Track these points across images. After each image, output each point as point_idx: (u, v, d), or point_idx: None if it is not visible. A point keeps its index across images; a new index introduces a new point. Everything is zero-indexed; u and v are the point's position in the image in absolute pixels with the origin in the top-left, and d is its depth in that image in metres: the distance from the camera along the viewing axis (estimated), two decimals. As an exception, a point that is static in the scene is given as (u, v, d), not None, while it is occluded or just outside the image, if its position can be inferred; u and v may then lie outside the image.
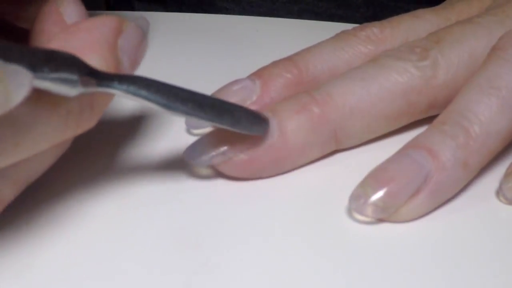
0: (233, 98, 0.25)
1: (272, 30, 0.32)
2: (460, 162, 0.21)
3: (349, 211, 0.22)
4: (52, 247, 0.20)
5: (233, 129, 0.21)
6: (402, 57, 0.24)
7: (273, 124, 0.23)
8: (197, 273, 0.19)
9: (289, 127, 0.23)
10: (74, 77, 0.17)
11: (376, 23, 0.27)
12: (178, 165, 0.24)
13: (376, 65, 0.24)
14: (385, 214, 0.21)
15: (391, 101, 0.24)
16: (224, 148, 0.22)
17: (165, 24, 0.36)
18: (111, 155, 0.24)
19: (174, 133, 0.26)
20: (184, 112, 0.20)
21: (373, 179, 0.21)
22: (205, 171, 0.23)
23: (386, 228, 0.21)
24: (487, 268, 0.20)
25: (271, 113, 0.23)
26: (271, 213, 0.22)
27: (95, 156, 0.24)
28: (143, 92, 0.19)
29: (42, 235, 0.21)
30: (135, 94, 0.19)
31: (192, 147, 0.23)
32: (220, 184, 0.23)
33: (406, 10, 0.28)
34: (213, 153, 0.22)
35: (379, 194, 0.21)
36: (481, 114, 0.22)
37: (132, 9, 0.47)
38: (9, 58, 0.16)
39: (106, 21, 0.20)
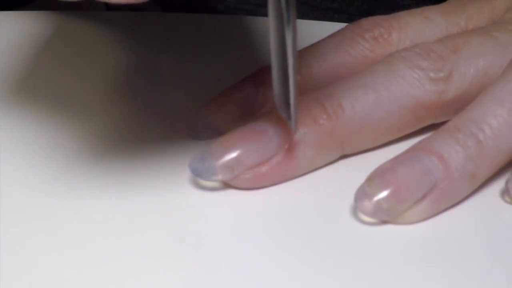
0: (237, 107, 0.24)
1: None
2: (468, 173, 0.21)
3: (354, 211, 0.21)
4: (51, 247, 0.20)
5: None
6: (416, 64, 0.23)
7: (282, 136, 0.22)
8: (197, 273, 0.19)
9: (299, 142, 0.22)
10: None
11: (384, 20, 0.26)
12: (178, 165, 0.24)
13: (388, 71, 0.23)
14: (387, 217, 0.21)
15: (401, 116, 0.23)
16: (232, 165, 0.22)
17: (164, 24, 0.36)
18: (111, 156, 0.24)
19: (176, 134, 0.26)
20: None
21: (381, 179, 0.21)
22: (210, 183, 0.23)
23: (390, 229, 0.21)
24: (491, 268, 0.20)
25: (282, 131, 0.22)
26: (272, 213, 0.22)
27: (96, 157, 0.24)
28: None
29: (42, 235, 0.21)
30: None
31: (198, 161, 0.22)
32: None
33: (400, 4, 0.28)
34: (221, 170, 0.22)
35: (385, 195, 0.21)
36: (497, 129, 0.22)
37: (132, 9, 0.46)
38: None
39: None
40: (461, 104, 0.23)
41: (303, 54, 0.26)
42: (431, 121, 0.24)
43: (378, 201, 0.21)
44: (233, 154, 0.22)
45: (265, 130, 0.22)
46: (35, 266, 0.20)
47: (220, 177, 0.22)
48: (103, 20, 0.36)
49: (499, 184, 0.23)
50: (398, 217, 0.21)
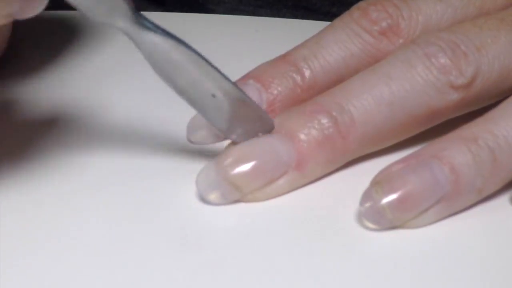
0: None
1: (272, 30, 0.31)
2: (477, 189, 0.20)
3: (357, 215, 0.21)
4: (51, 247, 0.20)
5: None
6: (437, 62, 0.21)
7: (292, 154, 0.21)
8: (197, 273, 0.19)
9: (309, 160, 0.21)
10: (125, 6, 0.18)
11: (391, 5, 0.23)
12: (178, 165, 0.24)
13: (404, 72, 0.21)
14: (390, 225, 0.20)
15: (413, 124, 0.22)
16: (240, 186, 0.21)
17: (164, 24, 0.36)
18: (111, 156, 0.24)
19: (176, 133, 0.25)
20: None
21: (389, 185, 0.20)
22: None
23: (394, 234, 0.20)
24: (495, 272, 0.19)
25: (286, 134, 0.21)
26: (272, 213, 0.21)
27: (96, 157, 0.24)
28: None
29: (41, 235, 0.20)
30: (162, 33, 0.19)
31: (206, 183, 0.21)
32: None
33: None
34: (230, 193, 0.21)
35: (391, 203, 0.20)
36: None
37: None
38: None
39: None
40: (479, 101, 0.22)
41: (303, 54, 0.24)
42: (445, 119, 0.23)
43: (384, 210, 0.20)
44: (242, 176, 0.21)
45: (273, 148, 0.21)
46: (35, 266, 0.19)
47: (228, 199, 0.21)
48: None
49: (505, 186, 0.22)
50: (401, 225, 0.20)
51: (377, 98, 0.21)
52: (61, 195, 0.22)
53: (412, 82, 0.21)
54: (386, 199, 0.20)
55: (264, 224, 0.21)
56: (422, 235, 0.20)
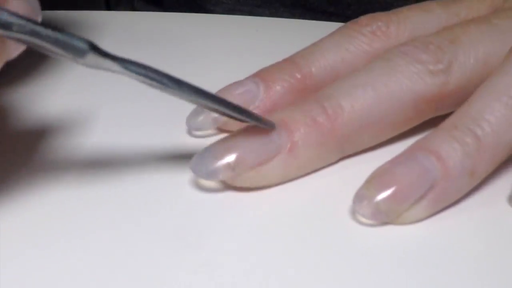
0: (235, 101, 0.24)
1: (272, 30, 0.31)
2: (467, 171, 0.21)
3: (352, 213, 0.21)
4: (51, 245, 0.20)
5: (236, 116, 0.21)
6: (415, 57, 0.23)
7: (283, 136, 0.22)
8: (197, 273, 0.19)
9: (300, 142, 0.22)
10: (84, 46, 0.18)
11: (382, 15, 0.26)
12: (178, 165, 0.23)
13: (386, 67, 0.23)
14: (386, 219, 0.20)
15: (401, 112, 0.23)
16: (233, 164, 0.21)
17: (164, 24, 0.36)
18: (111, 156, 0.24)
19: (175, 133, 0.25)
20: (189, 93, 0.20)
21: (379, 181, 0.20)
22: (210, 183, 0.23)
23: (389, 230, 0.21)
24: (492, 270, 0.19)
25: (279, 122, 0.22)
26: (272, 213, 0.21)
27: (96, 156, 0.24)
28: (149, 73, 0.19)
29: (40, 236, 0.20)
30: (139, 74, 0.19)
31: (200, 161, 0.22)
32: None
33: (396, 6, 0.27)
34: (222, 170, 0.21)
35: (383, 196, 0.20)
36: (495, 124, 0.21)
37: (133, 9, 0.46)
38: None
39: None
40: (462, 95, 0.23)
41: (303, 54, 0.25)
42: (433, 114, 0.24)
43: (377, 203, 0.20)
44: (234, 154, 0.21)
45: (265, 130, 0.22)
46: (35, 266, 0.19)
47: (221, 176, 0.21)
48: (103, 20, 0.35)
49: (501, 183, 0.23)
50: (397, 218, 0.21)
51: (363, 87, 0.23)
52: (61, 194, 0.22)
53: (394, 72, 0.23)
54: (378, 194, 0.20)
55: (264, 223, 0.21)
56: (417, 232, 0.20)
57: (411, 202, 0.20)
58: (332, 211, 0.21)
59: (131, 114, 0.27)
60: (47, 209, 0.21)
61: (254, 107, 0.24)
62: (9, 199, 0.22)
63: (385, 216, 0.20)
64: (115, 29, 0.34)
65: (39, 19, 0.19)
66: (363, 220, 0.21)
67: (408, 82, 0.22)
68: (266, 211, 0.21)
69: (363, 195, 0.20)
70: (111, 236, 0.20)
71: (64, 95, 0.28)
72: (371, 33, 0.25)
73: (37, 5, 0.19)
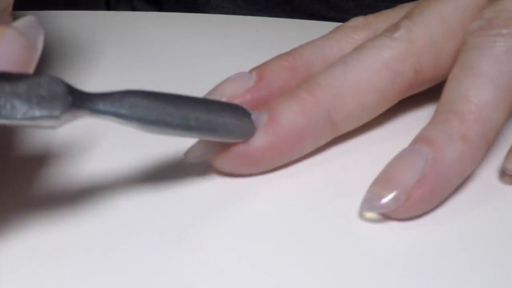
0: (230, 85, 0.25)
1: (271, 30, 0.31)
2: (457, 137, 0.21)
3: (356, 212, 0.21)
4: (51, 244, 0.20)
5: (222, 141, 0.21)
6: (378, 37, 0.25)
7: (264, 114, 0.22)
8: (197, 273, 0.19)
9: (280, 112, 0.22)
10: (56, 113, 0.17)
11: (368, 16, 0.28)
12: (178, 165, 0.23)
13: (357, 50, 0.25)
14: (398, 203, 0.20)
15: (377, 74, 0.24)
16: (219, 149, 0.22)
17: (164, 24, 0.36)
18: (111, 156, 0.24)
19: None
20: (169, 134, 0.20)
21: (379, 180, 0.21)
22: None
23: (395, 227, 0.21)
24: (494, 265, 0.19)
25: (264, 108, 0.23)
26: (272, 213, 0.21)
27: (95, 157, 0.24)
28: (126, 114, 0.18)
29: (39, 236, 0.20)
30: (122, 116, 0.18)
31: (191, 148, 0.22)
32: (222, 183, 0.22)
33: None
34: (212, 147, 0.22)
35: (387, 192, 0.20)
36: (472, 96, 0.22)
37: (133, 9, 0.46)
38: None
39: None
40: (435, 52, 0.24)
41: (298, 47, 0.27)
42: (415, 78, 0.24)
43: (384, 202, 0.20)
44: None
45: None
46: (35, 266, 0.19)
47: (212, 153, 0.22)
48: (103, 20, 0.35)
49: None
50: (409, 207, 0.20)
51: (335, 64, 0.24)
52: (61, 193, 0.22)
53: (362, 48, 0.25)
54: (384, 190, 0.20)
55: (265, 223, 0.21)
56: (423, 228, 0.20)
57: (411, 184, 0.20)
58: (332, 211, 0.21)
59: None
60: (43, 209, 0.21)
61: (248, 89, 0.25)
62: (8, 197, 0.21)
63: (396, 201, 0.20)
64: (115, 29, 0.34)
65: (35, 60, 0.18)
66: (367, 215, 0.21)
67: (376, 51, 0.24)
68: (267, 210, 0.21)
69: (368, 198, 0.21)
70: (111, 236, 0.20)
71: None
72: (354, 26, 0.27)
73: (38, 38, 0.18)
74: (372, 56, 0.24)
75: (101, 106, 0.18)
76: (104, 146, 0.24)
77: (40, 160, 0.24)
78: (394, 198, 0.20)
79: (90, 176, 0.23)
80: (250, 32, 0.34)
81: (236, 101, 0.24)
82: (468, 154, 0.21)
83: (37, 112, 0.16)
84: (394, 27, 0.25)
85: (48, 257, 0.19)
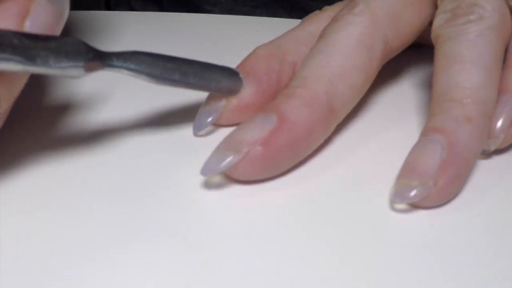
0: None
1: (271, 30, 0.31)
2: (463, 120, 0.22)
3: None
4: (52, 243, 0.20)
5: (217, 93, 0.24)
6: (339, 16, 0.25)
7: (273, 116, 0.22)
8: (197, 273, 0.19)
9: (287, 110, 0.23)
10: (80, 64, 0.20)
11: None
12: (179, 165, 0.23)
13: (324, 36, 0.25)
14: (428, 190, 0.21)
15: (353, 53, 0.24)
16: (238, 146, 0.22)
17: (164, 24, 0.36)
18: (112, 155, 0.24)
19: (176, 132, 0.25)
20: (172, 84, 0.23)
21: (409, 171, 0.21)
22: (216, 178, 0.23)
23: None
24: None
25: (268, 110, 0.23)
26: (271, 213, 0.21)
27: (98, 156, 0.24)
28: (134, 68, 0.22)
29: (41, 232, 0.20)
30: (132, 70, 0.22)
31: (207, 161, 0.22)
32: (223, 183, 0.23)
33: None
34: (230, 154, 0.22)
35: (418, 180, 0.21)
36: (464, 82, 0.23)
37: (131, 9, 0.46)
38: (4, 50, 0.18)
39: (7, 6, 0.20)
40: (398, 19, 0.25)
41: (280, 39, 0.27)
42: (385, 46, 0.25)
43: (415, 192, 0.21)
44: (235, 138, 0.22)
45: (256, 116, 0.23)
46: (36, 265, 0.19)
47: (232, 161, 0.22)
48: (103, 20, 0.35)
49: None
50: (438, 193, 0.21)
51: (312, 56, 0.25)
52: (61, 191, 0.22)
53: (328, 34, 0.25)
54: (412, 181, 0.21)
55: (265, 223, 0.21)
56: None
57: (434, 172, 0.21)
58: (333, 211, 0.21)
59: (132, 112, 0.27)
60: (45, 207, 0.21)
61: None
62: (8, 196, 0.22)
63: (424, 189, 0.21)
64: (115, 29, 0.34)
65: (62, 24, 0.21)
66: (397, 206, 0.21)
67: (343, 32, 0.25)
68: (267, 210, 0.21)
69: (395, 193, 0.21)
70: (111, 235, 0.20)
71: (63, 90, 0.28)
72: (327, 15, 0.28)
73: (65, 7, 0.21)
74: (345, 38, 0.24)
75: (115, 61, 0.22)
76: (105, 141, 0.25)
77: (64, 107, 0.26)
78: (423, 186, 0.21)
79: (91, 173, 0.23)
80: (250, 32, 0.34)
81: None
82: (476, 132, 0.22)
83: (65, 62, 0.20)
84: (352, 4, 0.25)
85: (47, 256, 0.19)
